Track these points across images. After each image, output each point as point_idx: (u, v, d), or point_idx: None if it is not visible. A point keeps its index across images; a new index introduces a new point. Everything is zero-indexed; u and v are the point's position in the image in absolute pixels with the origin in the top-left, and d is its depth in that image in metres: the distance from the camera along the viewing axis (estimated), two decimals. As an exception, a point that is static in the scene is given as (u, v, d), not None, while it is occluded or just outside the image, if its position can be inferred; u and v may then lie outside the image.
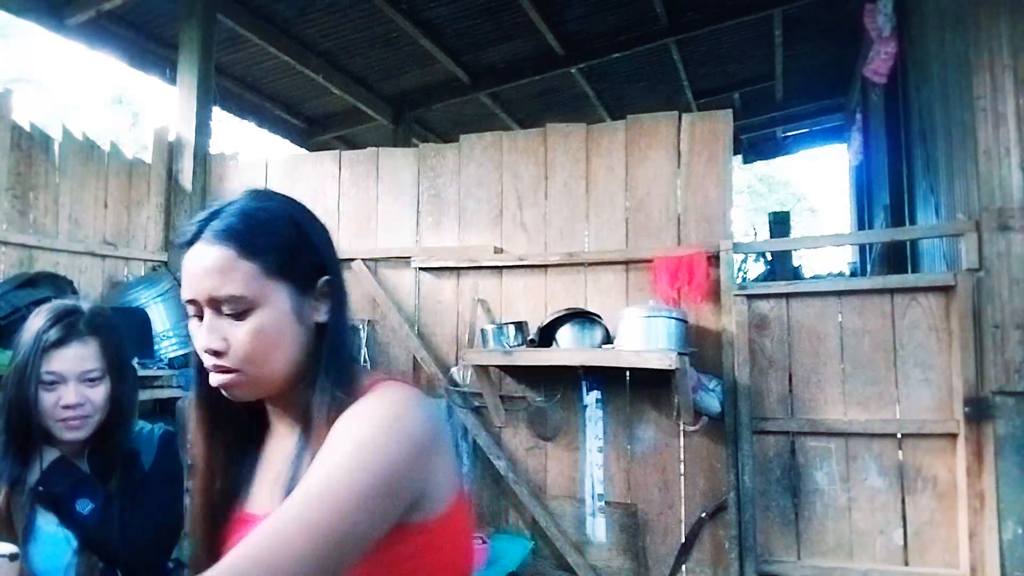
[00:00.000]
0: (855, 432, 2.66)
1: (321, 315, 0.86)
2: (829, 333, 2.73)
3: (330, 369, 0.83)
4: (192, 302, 0.82)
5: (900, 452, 2.62)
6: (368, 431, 0.74)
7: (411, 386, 0.85)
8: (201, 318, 0.82)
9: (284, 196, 0.89)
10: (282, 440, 0.91)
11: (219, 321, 0.81)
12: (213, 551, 0.88)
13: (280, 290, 0.82)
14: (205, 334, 0.81)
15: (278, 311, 0.82)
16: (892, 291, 2.67)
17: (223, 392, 0.84)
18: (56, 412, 1.26)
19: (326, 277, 0.86)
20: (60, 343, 1.27)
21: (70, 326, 1.29)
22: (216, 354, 0.81)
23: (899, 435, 2.62)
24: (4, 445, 1.26)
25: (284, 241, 0.83)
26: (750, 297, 2.83)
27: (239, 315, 0.80)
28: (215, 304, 0.80)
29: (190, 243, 0.82)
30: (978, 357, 2.47)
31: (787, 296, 2.80)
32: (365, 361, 3.36)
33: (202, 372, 0.88)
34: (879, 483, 2.63)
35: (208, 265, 0.79)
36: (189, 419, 0.93)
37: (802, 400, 2.75)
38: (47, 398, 1.26)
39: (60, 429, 1.27)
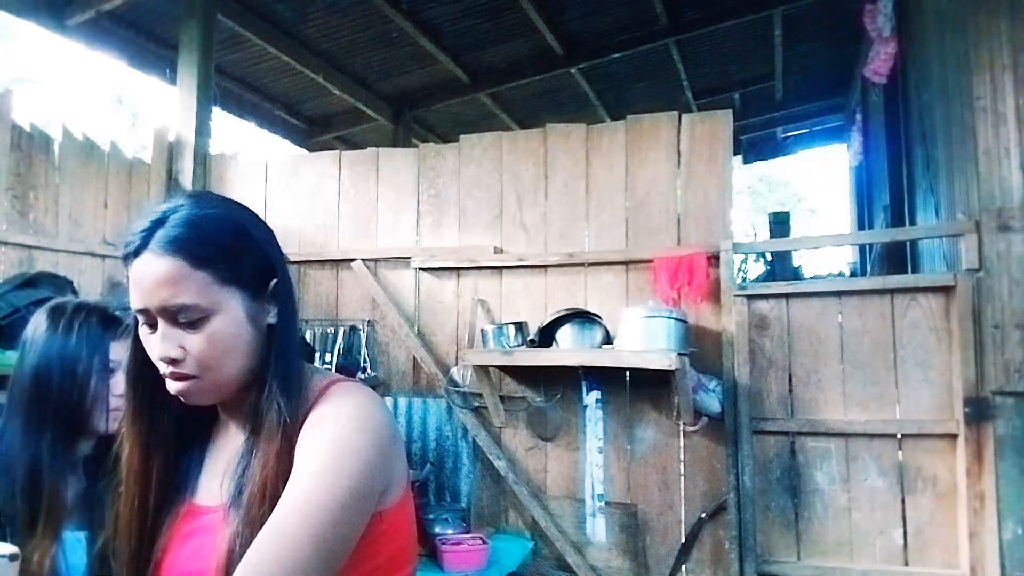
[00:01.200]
0: (855, 432, 2.66)
1: (272, 317, 0.87)
2: (829, 333, 2.74)
3: (278, 370, 0.84)
4: (143, 311, 0.82)
5: (900, 452, 2.62)
6: (344, 436, 0.78)
7: (361, 384, 0.90)
8: (153, 327, 0.82)
9: (226, 200, 0.88)
10: (231, 434, 0.92)
11: (174, 330, 0.81)
12: (153, 544, 0.89)
13: (233, 296, 0.82)
14: (160, 343, 0.81)
15: (232, 317, 0.82)
16: (892, 291, 2.67)
17: (180, 399, 0.85)
18: (111, 401, 1.28)
19: (275, 280, 0.87)
20: (122, 334, 1.30)
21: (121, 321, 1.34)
22: (173, 362, 0.81)
23: (899, 435, 2.62)
24: (52, 441, 1.24)
25: (232, 248, 0.83)
26: (750, 297, 2.83)
27: (194, 323, 0.80)
28: (168, 313, 0.80)
29: (136, 253, 0.80)
30: (978, 357, 2.47)
31: (787, 296, 2.80)
32: (365, 361, 3.37)
33: (137, 361, 0.88)
34: (879, 483, 2.63)
35: (159, 277, 0.79)
36: (123, 412, 0.93)
37: (802, 400, 2.75)
38: (104, 387, 1.28)
39: (111, 420, 1.29)
